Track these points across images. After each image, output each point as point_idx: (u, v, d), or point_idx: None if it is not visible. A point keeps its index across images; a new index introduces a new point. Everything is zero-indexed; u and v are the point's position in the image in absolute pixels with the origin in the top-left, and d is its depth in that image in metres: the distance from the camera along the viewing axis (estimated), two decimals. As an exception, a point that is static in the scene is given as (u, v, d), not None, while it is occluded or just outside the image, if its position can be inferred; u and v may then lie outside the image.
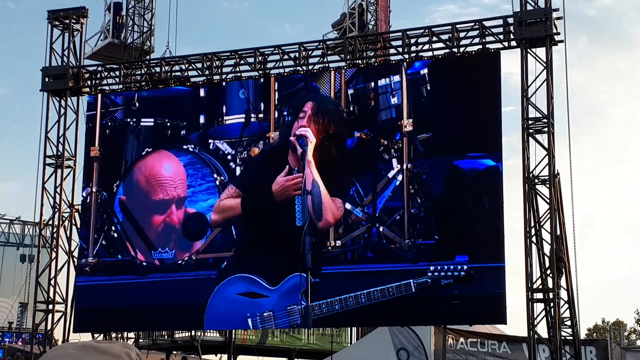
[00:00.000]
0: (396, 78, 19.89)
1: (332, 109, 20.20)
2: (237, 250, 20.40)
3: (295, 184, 19.61)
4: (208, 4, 77.68)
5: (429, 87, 19.71)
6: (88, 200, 22.06)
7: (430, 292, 18.62)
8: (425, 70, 19.83)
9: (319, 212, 19.34)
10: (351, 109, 20.23)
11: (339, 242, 19.57)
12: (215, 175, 20.87)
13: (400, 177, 19.33)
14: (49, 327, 22.53)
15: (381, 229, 19.33)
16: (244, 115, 21.00)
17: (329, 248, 19.58)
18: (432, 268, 18.54)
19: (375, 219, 19.44)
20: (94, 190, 21.98)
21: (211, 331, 25.59)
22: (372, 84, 20.19)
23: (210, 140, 21.11)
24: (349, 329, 28.44)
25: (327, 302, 19.11)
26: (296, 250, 18.89)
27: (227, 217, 20.40)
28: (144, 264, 21.19)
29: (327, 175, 19.52)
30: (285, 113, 20.75)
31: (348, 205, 19.53)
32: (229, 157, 20.85)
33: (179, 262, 20.88)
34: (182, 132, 21.49)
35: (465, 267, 18.36)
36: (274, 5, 80.00)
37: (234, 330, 24.38)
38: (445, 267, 18.45)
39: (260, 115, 20.91)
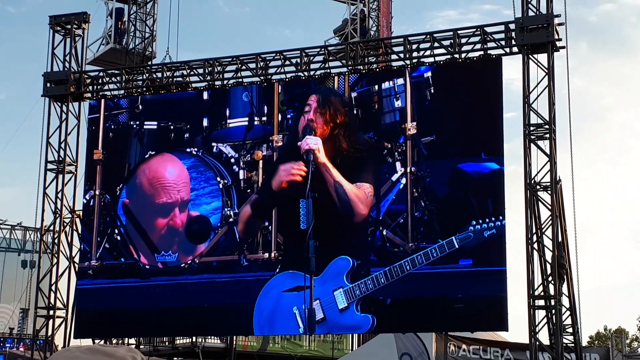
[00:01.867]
0: (400, 81, 19.95)
1: (336, 99, 20.24)
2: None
3: (293, 175, 19.63)
4: (208, 9, 77.90)
5: (432, 91, 19.77)
6: (91, 204, 22.04)
7: (471, 247, 18.60)
8: (429, 74, 19.89)
9: (350, 210, 19.31)
10: (355, 112, 20.26)
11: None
12: (218, 179, 20.87)
13: (404, 180, 19.35)
14: (49, 333, 22.48)
15: (385, 232, 19.34)
16: (247, 119, 21.03)
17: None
18: (473, 222, 18.57)
19: (378, 222, 19.44)
20: (97, 193, 21.97)
21: (212, 337, 25.53)
22: (376, 87, 20.25)
23: (213, 144, 21.12)
24: (350, 335, 28.37)
25: (371, 278, 19.02)
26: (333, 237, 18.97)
27: (244, 222, 20.39)
28: (147, 267, 21.17)
29: (343, 165, 19.56)
30: (289, 116, 20.77)
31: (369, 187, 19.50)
32: (232, 160, 20.86)
33: (182, 265, 20.86)
34: (185, 135, 21.51)
35: (503, 221, 18.50)
36: (274, 11, 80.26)
37: (235, 337, 24.33)
38: (487, 220, 18.53)
39: (264, 119, 20.95)
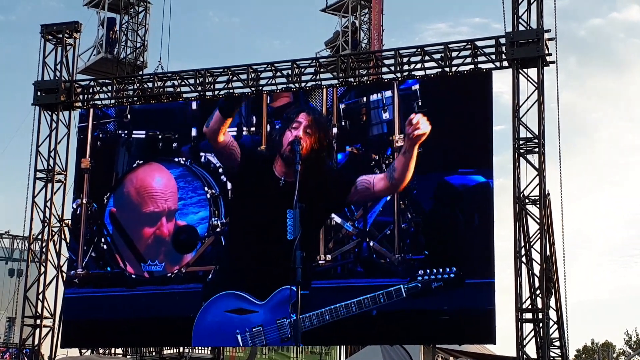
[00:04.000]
0: (388, 93, 20.04)
1: (324, 123, 20.32)
2: (223, 265, 20.39)
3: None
4: (198, 19, 78.12)
5: (420, 103, 19.83)
6: (78, 212, 22.05)
7: (420, 300, 18.70)
8: (416, 86, 19.97)
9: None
10: (343, 123, 20.32)
11: (329, 257, 19.60)
12: (206, 189, 20.90)
13: (390, 193, 19.41)
14: (36, 342, 22.42)
15: (371, 243, 19.38)
16: (236, 129, 21.07)
17: (320, 262, 19.59)
18: (421, 272, 18.68)
19: (365, 233, 19.49)
20: (84, 201, 21.99)
21: (199, 347, 25.43)
22: (364, 99, 20.32)
23: (201, 153, 21.14)
24: (337, 347, 28.34)
25: (316, 313, 19.13)
26: (285, 264, 18.91)
27: None
28: (133, 276, 21.16)
29: (322, 187, 19.70)
30: (277, 127, 20.82)
31: (338, 219, 19.58)
32: (220, 170, 20.88)
33: (169, 274, 20.86)
34: (173, 145, 21.54)
35: (454, 269, 18.51)
36: (263, 21, 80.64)
37: (222, 347, 24.27)
38: (435, 271, 18.62)
39: (252, 129, 20.99)
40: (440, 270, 18.60)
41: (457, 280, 18.48)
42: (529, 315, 18.60)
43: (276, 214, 19.69)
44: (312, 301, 19.27)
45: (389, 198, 19.42)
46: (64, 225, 22.65)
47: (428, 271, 18.64)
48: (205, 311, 20.13)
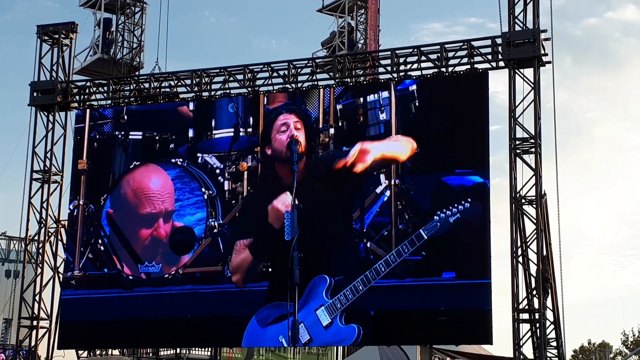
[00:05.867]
0: (385, 94, 20.07)
1: (312, 125, 20.46)
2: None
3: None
4: (195, 19, 77.96)
5: (417, 104, 19.87)
6: (75, 213, 22.04)
7: (418, 299, 18.82)
8: (414, 87, 20.00)
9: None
10: (340, 124, 20.34)
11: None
12: (203, 189, 20.92)
13: (388, 193, 19.42)
14: (33, 343, 22.41)
15: (369, 244, 19.39)
16: (232, 130, 21.10)
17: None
18: (438, 212, 18.85)
19: (363, 234, 19.49)
20: (81, 203, 21.98)
21: (196, 349, 25.46)
22: (361, 99, 20.34)
23: (198, 154, 21.16)
24: (334, 347, 28.36)
25: (350, 287, 19.16)
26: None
27: (245, 270, 20.27)
28: (130, 277, 21.16)
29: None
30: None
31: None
32: (218, 171, 20.92)
33: (166, 276, 20.87)
34: (170, 146, 21.54)
35: (467, 205, 18.72)
36: (260, 21, 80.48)
37: (219, 349, 24.28)
38: (450, 207, 18.79)
39: (250, 130, 21.02)
40: (455, 204, 18.74)
41: (471, 210, 18.65)
42: (525, 316, 18.63)
43: None
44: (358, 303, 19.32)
45: (386, 198, 19.45)
46: (60, 226, 22.63)
47: (444, 209, 18.78)
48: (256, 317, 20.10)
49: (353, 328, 19.16)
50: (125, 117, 22.27)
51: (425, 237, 18.97)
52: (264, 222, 20.15)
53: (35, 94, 23.36)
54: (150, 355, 25.74)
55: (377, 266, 19.18)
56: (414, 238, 19.02)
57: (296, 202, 19.37)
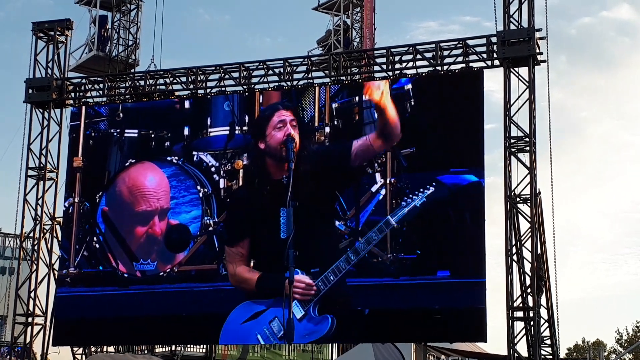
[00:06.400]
0: (381, 93, 20.05)
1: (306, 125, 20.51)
2: None
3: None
4: (189, 17, 77.94)
5: (412, 103, 19.89)
6: (70, 211, 22.03)
7: (412, 298, 18.83)
8: (409, 86, 20.02)
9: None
10: (335, 122, 20.35)
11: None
12: (198, 187, 20.93)
13: (383, 191, 19.46)
14: (28, 340, 22.41)
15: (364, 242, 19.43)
16: (228, 128, 21.11)
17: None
18: (405, 198, 19.05)
19: (357, 232, 19.52)
20: (76, 200, 21.97)
21: (191, 346, 25.51)
22: (357, 98, 20.35)
23: (194, 152, 21.16)
24: (329, 345, 28.40)
25: (321, 278, 19.20)
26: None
27: (241, 287, 20.28)
28: (125, 275, 21.16)
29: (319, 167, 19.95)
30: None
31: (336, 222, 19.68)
32: (213, 169, 20.91)
33: (161, 273, 20.87)
34: (166, 144, 21.53)
35: (432, 188, 18.93)
36: (254, 19, 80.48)
37: (214, 345, 24.30)
38: (417, 192, 18.96)
39: (245, 128, 21.02)
40: (421, 189, 18.89)
41: (436, 192, 18.85)
42: (520, 314, 18.69)
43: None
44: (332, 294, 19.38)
45: (381, 197, 19.48)
46: (55, 223, 22.63)
47: (410, 195, 18.96)
48: (229, 319, 20.18)
49: (327, 317, 19.24)
50: (121, 114, 22.27)
51: (394, 224, 19.10)
52: (253, 222, 20.24)
53: (30, 91, 23.33)
54: (145, 352, 25.78)
55: (348, 255, 19.26)
56: (382, 225, 19.12)
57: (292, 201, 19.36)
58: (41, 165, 23.04)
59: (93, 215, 21.78)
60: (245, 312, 19.98)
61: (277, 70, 21.61)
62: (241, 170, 20.73)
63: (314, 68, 21.67)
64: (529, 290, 18.70)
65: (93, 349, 23.21)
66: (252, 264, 20.17)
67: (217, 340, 20.73)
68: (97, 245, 21.61)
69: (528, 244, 18.89)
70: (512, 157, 19.28)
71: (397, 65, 20.69)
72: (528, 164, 19.11)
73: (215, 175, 20.87)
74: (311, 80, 21.31)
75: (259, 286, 19.89)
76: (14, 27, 78.60)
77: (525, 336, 18.65)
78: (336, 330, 19.40)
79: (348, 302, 19.34)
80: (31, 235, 22.97)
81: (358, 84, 21.10)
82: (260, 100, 21.18)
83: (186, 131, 21.39)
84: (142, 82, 22.91)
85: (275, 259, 19.46)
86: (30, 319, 22.39)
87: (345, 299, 19.31)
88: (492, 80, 20.72)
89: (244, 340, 20.92)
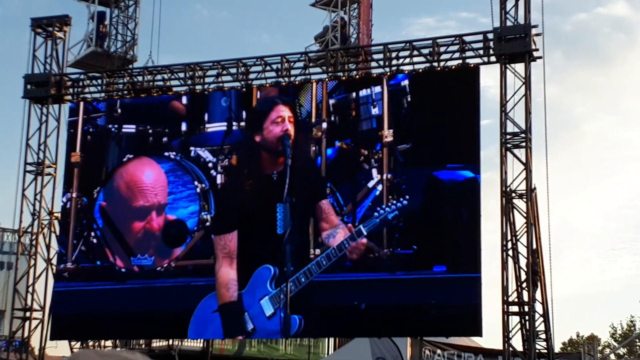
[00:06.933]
0: (377, 89, 20.12)
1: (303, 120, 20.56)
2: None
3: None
4: (187, 12, 77.82)
5: (409, 99, 19.96)
6: (68, 206, 22.07)
7: (408, 294, 18.97)
8: (406, 82, 20.07)
9: None
10: (332, 118, 20.43)
11: (318, 250, 19.70)
12: (196, 183, 20.95)
13: (380, 187, 19.52)
14: (26, 334, 22.48)
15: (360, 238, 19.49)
16: (225, 123, 21.13)
17: (310, 256, 19.69)
18: (378, 209, 19.09)
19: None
20: (74, 195, 22.01)
21: (189, 340, 25.56)
22: (354, 94, 20.41)
23: (191, 148, 21.17)
24: (326, 339, 28.49)
25: (292, 280, 19.22)
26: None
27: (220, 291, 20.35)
28: (123, 270, 21.19)
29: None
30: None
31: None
32: (210, 164, 20.93)
33: (158, 268, 20.91)
34: (163, 139, 21.54)
35: (405, 202, 18.93)
36: (252, 15, 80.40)
37: (211, 340, 24.39)
38: (390, 204, 19.02)
39: (242, 124, 21.06)
40: (394, 201, 18.93)
41: (409, 207, 18.86)
42: (515, 308, 18.78)
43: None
44: (302, 295, 19.43)
45: (378, 193, 19.56)
46: (53, 218, 22.69)
47: (384, 206, 19.00)
48: (199, 309, 20.29)
49: (295, 319, 19.34)
50: (119, 110, 22.30)
51: (365, 234, 19.18)
52: (240, 216, 20.33)
53: (29, 87, 23.37)
54: (143, 347, 25.86)
55: (319, 259, 19.35)
56: (354, 234, 19.24)
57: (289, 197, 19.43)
58: (39, 161, 23.08)
59: (91, 210, 21.81)
60: (215, 302, 20.14)
61: (274, 67, 21.66)
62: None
63: (311, 64, 21.74)
64: (524, 285, 18.79)
65: (91, 344, 23.30)
66: (235, 263, 20.20)
67: (218, 335, 20.96)
68: (95, 241, 21.64)
69: (523, 239, 18.98)
70: (508, 152, 19.36)
71: (394, 62, 20.75)
72: (524, 160, 19.19)
73: (212, 171, 20.90)
74: (309, 77, 21.37)
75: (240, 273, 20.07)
76: (13, 23, 78.49)
77: (520, 331, 18.75)
78: (333, 324, 19.54)
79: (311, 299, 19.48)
80: (29, 230, 23.03)
81: (355, 80, 21.16)
82: (258, 96, 21.23)
83: (184, 127, 21.41)
84: (140, 78, 22.97)
85: (262, 255, 19.63)
86: (28, 314, 22.45)
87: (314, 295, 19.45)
88: (488, 76, 20.85)
89: (212, 333, 20.94)
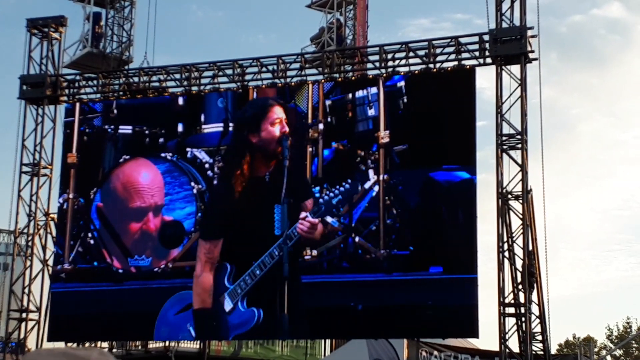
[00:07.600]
0: (373, 90, 20.13)
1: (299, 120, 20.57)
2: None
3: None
4: (182, 13, 77.80)
5: (405, 100, 19.99)
6: (65, 207, 22.06)
7: (404, 295, 19.06)
8: (402, 83, 20.10)
9: None
10: (329, 119, 20.44)
11: (315, 252, 19.71)
12: (192, 184, 20.95)
13: (376, 188, 19.52)
14: (22, 335, 22.46)
15: (357, 239, 19.49)
16: (222, 124, 21.13)
17: (306, 257, 19.71)
18: (324, 195, 19.12)
19: (351, 229, 19.57)
20: (70, 196, 21.99)
21: (186, 342, 25.53)
22: (350, 95, 20.42)
23: (188, 149, 21.16)
24: (323, 340, 28.51)
25: (248, 273, 19.42)
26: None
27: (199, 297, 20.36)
28: (120, 271, 21.19)
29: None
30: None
31: (329, 219, 19.68)
32: (207, 165, 20.92)
33: (155, 269, 20.92)
34: (160, 140, 21.53)
35: (347, 185, 18.96)
36: (247, 16, 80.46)
37: (208, 342, 24.36)
38: (333, 189, 19.01)
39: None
40: (337, 185, 18.94)
41: (351, 189, 18.93)
42: (511, 310, 18.80)
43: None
44: (298, 296, 19.43)
45: (374, 194, 19.59)
46: (49, 219, 22.67)
47: (328, 192, 19.04)
48: (164, 310, 20.46)
49: (252, 311, 19.45)
50: (115, 111, 22.29)
51: (314, 220, 19.21)
52: (229, 217, 20.34)
53: (24, 87, 23.36)
54: (140, 348, 25.83)
55: (272, 251, 19.41)
56: (296, 226, 19.35)
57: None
58: (35, 162, 23.07)
59: (87, 211, 21.79)
60: (179, 302, 20.17)
61: (270, 68, 21.67)
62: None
63: (307, 65, 21.75)
64: (520, 286, 18.82)
65: (87, 344, 23.28)
66: (215, 267, 20.23)
67: (216, 336, 21.02)
68: (92, 241, 21.63)
69: (519, 241, 19.00)
70: (504, 154, 19.39)
71: (390, 63, 20.78)
72: (519, 161, 19.22)
73: (209, 172, 20.88)
74: (304, 78, 21.38)
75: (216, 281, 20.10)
76: (8, 24, 78.43)
77: (516, 332, 18.77)
78: (329, 326, 19.57)
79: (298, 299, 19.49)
80: (25, 231, 23.01)
81: (351, 81, 21.18)
82: (254, 97, 21.23)
83: (180, 128, 21.41)
84: (136, 79, 22.96)
85: (250, 257, 19.64)
86: (24, 315, 22.44)
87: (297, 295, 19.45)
88: (484, 78, 20.89)
89: (176, 334, 20.97)
